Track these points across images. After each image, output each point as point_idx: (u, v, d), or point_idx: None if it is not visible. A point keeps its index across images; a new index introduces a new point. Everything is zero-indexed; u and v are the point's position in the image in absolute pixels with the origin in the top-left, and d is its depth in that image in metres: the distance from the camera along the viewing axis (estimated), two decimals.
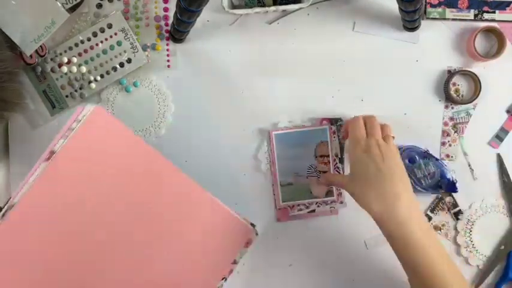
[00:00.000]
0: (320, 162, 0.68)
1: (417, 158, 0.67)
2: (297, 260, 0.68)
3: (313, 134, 0.68)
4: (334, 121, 0.68)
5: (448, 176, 0.67)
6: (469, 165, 0.68)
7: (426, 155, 0.67)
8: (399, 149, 0.65)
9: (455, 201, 0.68)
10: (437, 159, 0.67)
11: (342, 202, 0.68)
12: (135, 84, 0.68)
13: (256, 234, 0.61)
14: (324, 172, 0.67)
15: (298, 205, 0.68)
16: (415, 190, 0.65)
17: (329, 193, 0.68)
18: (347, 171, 0.68)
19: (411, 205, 0.55)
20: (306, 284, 0.68)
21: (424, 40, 0.68)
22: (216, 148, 0.68)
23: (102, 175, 0.54)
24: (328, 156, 0.68)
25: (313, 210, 0.68)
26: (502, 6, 0.67)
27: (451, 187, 0.67)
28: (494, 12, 0.67)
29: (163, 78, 0.68)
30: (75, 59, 0.67)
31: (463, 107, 0.68)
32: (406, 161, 0.67)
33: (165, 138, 0.69)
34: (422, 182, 0.67)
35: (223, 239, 0.59)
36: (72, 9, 0.65)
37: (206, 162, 0.68)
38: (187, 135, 0.69)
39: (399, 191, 0.55)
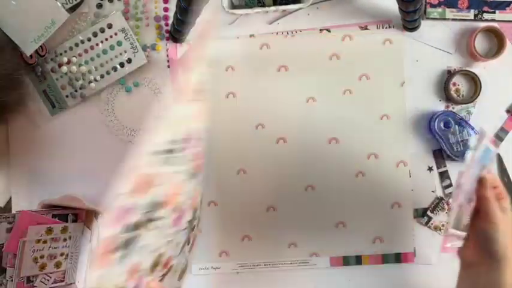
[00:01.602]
0: None
1: (452, 122, 0.65)
2: None
3: None
4: None
5: None
6: None
7: (461, 123, 0.66)
8: (433, 115, 0.65)
9: None
10: (472, 128, 0.66)
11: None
12: (135, 84, 0.69)
13: None
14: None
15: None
16: (446, 156, 0.66)
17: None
18: None
19: None
20: None
21: (424, 40, 0.68)
22: None
23: None
24: None
25: None
26: (502, 6, 0.67)
27: None
28: (494, 12, 0.67)
29: (163, 78, 0.68)
30: (75, 59, 0.67)
31: (463, 106, 0.68)
32: (441, 124, 0.66)
33: None
34: (455, 147, 0.66)
35: None
36: (72, 9, 0.65)
37: None
38: None
39: None
